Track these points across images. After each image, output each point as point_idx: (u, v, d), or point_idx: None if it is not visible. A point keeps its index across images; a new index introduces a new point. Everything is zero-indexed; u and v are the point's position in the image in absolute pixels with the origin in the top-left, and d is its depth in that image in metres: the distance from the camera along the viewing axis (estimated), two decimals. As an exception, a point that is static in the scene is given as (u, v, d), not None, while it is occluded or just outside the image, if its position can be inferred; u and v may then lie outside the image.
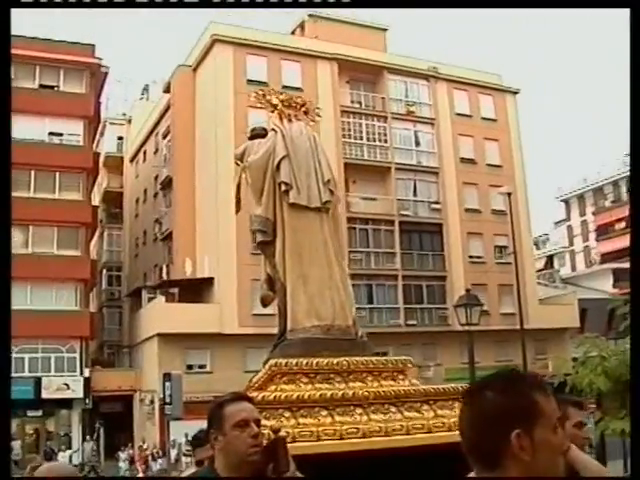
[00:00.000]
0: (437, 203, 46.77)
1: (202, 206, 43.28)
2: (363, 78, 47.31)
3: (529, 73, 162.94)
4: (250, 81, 42.95)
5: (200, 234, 43.38)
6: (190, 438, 5.05)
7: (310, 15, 48.43)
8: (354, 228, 43.01)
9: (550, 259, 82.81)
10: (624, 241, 73.90)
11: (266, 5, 6.73)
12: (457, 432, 2.30)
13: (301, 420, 6.24)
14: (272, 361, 7.22)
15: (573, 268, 79.17)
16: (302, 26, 49.38)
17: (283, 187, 8.18)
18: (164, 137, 49.29)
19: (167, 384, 29.62)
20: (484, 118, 50.13)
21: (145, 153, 54.51)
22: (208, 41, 43.87)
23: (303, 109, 9.12)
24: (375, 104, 47.40)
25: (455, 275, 45.75)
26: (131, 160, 57.73)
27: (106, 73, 46.14)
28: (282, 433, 3.86)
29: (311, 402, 6.50)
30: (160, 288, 44.28)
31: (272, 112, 8.89)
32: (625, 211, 75.22)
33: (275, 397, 6.39)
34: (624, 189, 77.02)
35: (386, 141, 46.16)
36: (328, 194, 8.43)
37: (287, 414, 6.26)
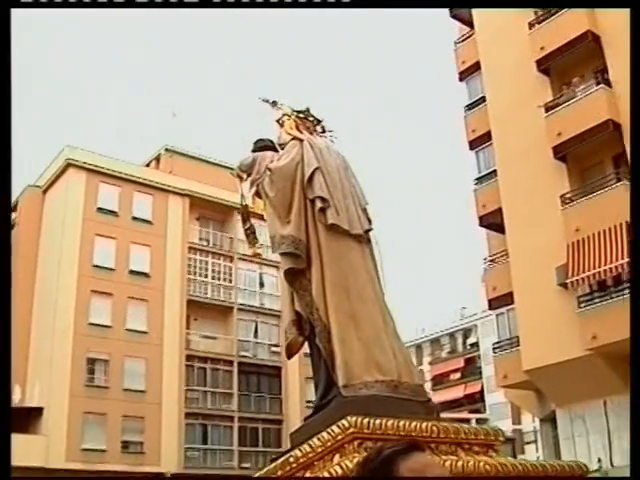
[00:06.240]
0: (277, 346, 46.57)
1: (38, 332, 41.61)
2: (213, 216, 47.49)
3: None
4: (100, 209, 42.63)
5: (33, 361, 41.60)
6: None
7: (167, 149, 48.90)
8: (192, 366, 42.34)
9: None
10: (458, 391, 76.03)
11: (266, 5, 6.39)
12: None
13: None
14: (349, 419, 5.44)
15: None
16: (158, 159, 49.64)
17: (319, 204, 6.75)
18: (5, 257, 47.72)
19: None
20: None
21: (-17, 272, 52.51)
22: (62, 164, 43.19)
23: (319, 126, 7.75)
24: (223, 243, 47.44)
25: (292, 419, 45.39)
26: (-34, 278, 55.44)
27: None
28: None
29: None
30: (-17, 415, 41.96)
31: (285, 119, 7.57)
32: (460, 362, 77.69)
33: None
34: (460, 340, 79.71)
35: (231, 281, 46.17)
36: (368, 223, 7.16)
37: None
